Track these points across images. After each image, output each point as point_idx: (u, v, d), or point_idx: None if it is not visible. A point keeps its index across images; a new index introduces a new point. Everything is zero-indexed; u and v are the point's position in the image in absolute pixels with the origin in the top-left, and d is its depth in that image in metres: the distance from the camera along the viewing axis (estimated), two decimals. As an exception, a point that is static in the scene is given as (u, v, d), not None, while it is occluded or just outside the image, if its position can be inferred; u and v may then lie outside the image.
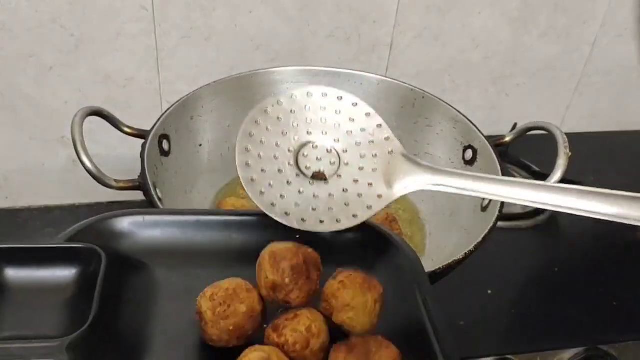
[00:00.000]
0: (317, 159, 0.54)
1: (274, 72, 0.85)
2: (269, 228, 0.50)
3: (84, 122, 0.69)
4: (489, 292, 0.80)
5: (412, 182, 0.52)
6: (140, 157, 0.70)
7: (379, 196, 0.52)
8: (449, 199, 0.80)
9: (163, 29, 0.89)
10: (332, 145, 0.54)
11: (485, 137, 0.77)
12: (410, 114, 0.85)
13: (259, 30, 0.93)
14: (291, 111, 0.54)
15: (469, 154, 0.79)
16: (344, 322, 0.43)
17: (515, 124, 0.98)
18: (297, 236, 0.49)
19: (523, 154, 1.02)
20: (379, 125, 0.55)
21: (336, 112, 0.55)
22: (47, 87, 0.89)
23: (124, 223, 0.50)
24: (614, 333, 0.77)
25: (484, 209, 0.73)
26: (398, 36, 0.99)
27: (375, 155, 0.54)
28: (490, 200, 0.72)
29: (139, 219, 0.50)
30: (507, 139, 0.80)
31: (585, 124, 1.18)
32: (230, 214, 0.54)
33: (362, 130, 0.55)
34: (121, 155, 0.93)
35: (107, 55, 0.89)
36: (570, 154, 0.70)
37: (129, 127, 0.74)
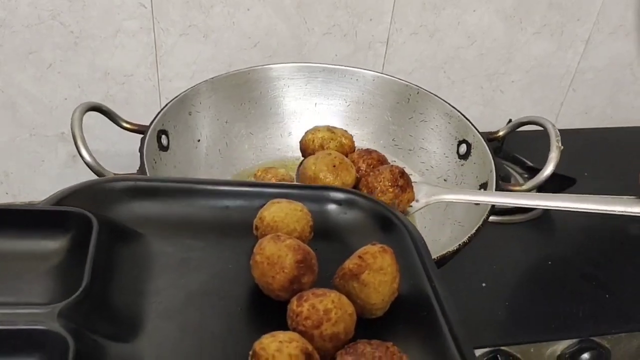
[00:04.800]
0: None
1: (271, 69, 0.86)
2: (265, 197, 0.48)
3: (83, 117, 0.70)
4: (483, 285, 0.81)
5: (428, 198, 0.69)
6: (139, 152, 0.70)
7: None
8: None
9: (162, 26, 0.90)
10: None
11: (478, 131, 0.78)
12: (405, 109, 0.86)
13: (256, 27, 0.94)
14: None
15: (463, 148, 0.80)
16: (373, 282, 0.42)
17: (510, 120, 0.99)
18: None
19: (517, 149, 1.03)
20: None
21: None
22: (47, 84, 0.90)
23: (116, 189, 0.47)
24: (606, 325, 0.77)
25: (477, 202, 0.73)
26: (394, 33, 1.00)
27: None
28: (484, 194, 0.73)
29: (130, 184, 0.47)
30: (501, 133, 0.81)
31: (579, 120, 1.20)
32: (226, 184, 0.51)
33: None
34: (120, 151, 0.94)
35: (106, 52, 0.90)
36: (562, 147, 0.71)
37: (127, 122, 0.75)
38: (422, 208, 0.69)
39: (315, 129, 0.74)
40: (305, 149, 0.74)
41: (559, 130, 0.73)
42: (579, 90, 1.16)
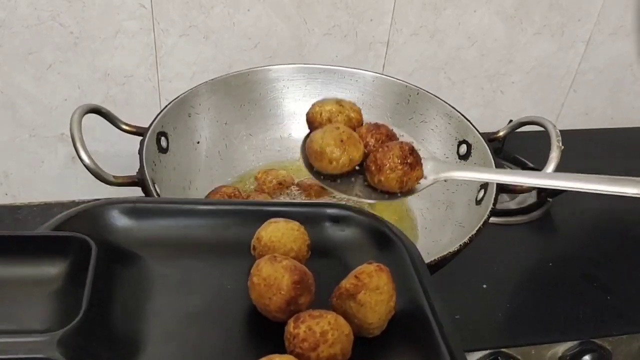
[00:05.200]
0: None
1: (271, 70, 0.86)
2: (262, 216, 0.48)
3: (82, 119, 0.70)
4: (484, 286, 0.81)
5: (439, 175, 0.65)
6: (139, 153, 0.70)
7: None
8: (445, 194, 0.81)
9: (162, 27, 0.89)
10: None
11: (479, 131, 0.78)
12: (405, 110, 0.85)
13: (256, 28, 0.94)
14: None
15: (464, 148, 0.80)
16: (370, 302, 0.42)
17: (511, 121, 0.99)
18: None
19: (518, 150, 1.03)
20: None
21: None
22: (47, 85, 0.90)
23: (114, 211, 0.47)
24: (607, 327, 0.77)
25: (479, 202, 0.73)
26: (394, 34, 1.00)
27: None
28: (485, 194, 0.73)
29: (129, 206, 0.47)
30: (501, 133, 0.80)
31: (579, 121, 1.19)
32: (226, 204, 0.52)
33: None
34: (119, 153, 0.94)
35: (106, 53, 0.90)
36: (562, 147, 0.71)
37: (126, 124, 0.75)
38: (430, 185, 0.65)
39: (323, 102, 0.71)
40: (312, 122, 0.71)
41: (560, 131, 0.73)
42: (580, 90, 1.15)
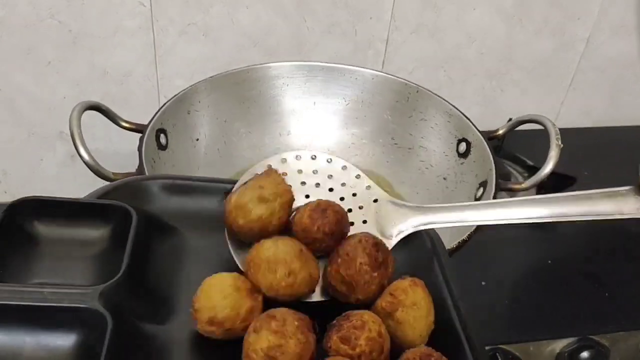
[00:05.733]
0: None
1: (270, 67, 0.86)
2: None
3: (81, 116, 0.70)
4: (483, 283, 0.81)
5: (406, 226, 0.49)
6: (138, 150, 0.70)
7: None
8: (444, 191, 0.81)
9: (161, 24, 0.90)
10: None
11: (478, 129, 0.78)
12: (404, 108, 0.85)
13: (256, 26, 0.94)
14: None
15: (463, 146, 0.80)
16: (408, 320, 0.42)
17: (510, 119, 0.99)
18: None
19: (518, 148, 1.03)
20: (358, 176, 0.53)
21: (314, 172, 0.52)
22: (46, 83, 0.90)
23: (154, 186, 0.50)
24: (606, 323, 0.77)
25: (478, 199, 0.73)
26: (394, 32, 1.00)
27: (362, 207, 0.51)
28: (484, 192, 0.73)
29: (168, 182, 0.50)
30: (500, 131, 0.81)
31: (580, 119, 1.19)
32: None
33: (343, 185, 0.52)
34: (119, 150, 0.94)
35: (105, 51, 0.90)
36: (561, 145, 0.71)
37: (126, 121, 0.75)
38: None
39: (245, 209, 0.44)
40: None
41: (560, 129, 0.73)
42: (580, 89, 1.15)
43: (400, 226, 0.49)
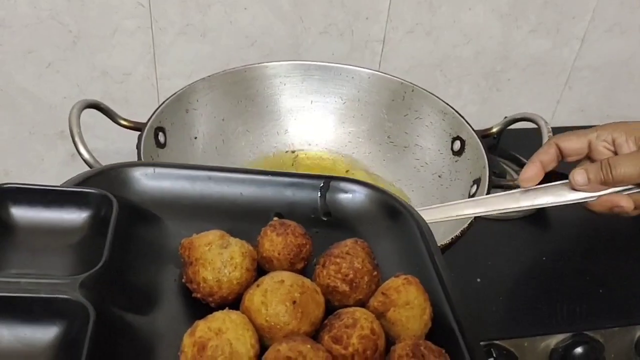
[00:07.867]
0: None
1: (267, 67, 0.86)
2: (278, 186, 0.51)
3: (81, 114, 0.71)
4: (478, 280, 0.81)
5: None
6: (137, 148, 0.71)
7: None
8: (439, 188, 0.82)
9: (159, 25, 0.90)
10: None
11: (472, 128, 0.79)
12: (400, 106, 0.86)
13: (253, 26, 0.95)
14: None
15: (457, 145, 0.81)
16: (401, 320, 0.40)
17: (505, 118, 1.00)
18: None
19: (513, 147, 1.03)
20: None
21: None
22: (46, 83, 0.91)
23: (135, 173, 0.49)
24: (600, 319, 0.78)
25: (472, 196, 0.74)
26: (390, 32, 1.01)
27: None
28: (477, 189, 0.74)
29: (149, 170, 0.49)
30: (494, 129, 0.82)
31: (575, 118, 1.20)
32: (241, 172, 0.53)
33: None
34: (118, 149, 0.95)
35: (105, 51, 0.91)
36: (554, 142, 0.72)
37: (125, 119, 0.76)
38: None
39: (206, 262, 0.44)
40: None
41: (556, 127, 0.74)
42: (575, 88, 1.16)
43: None
